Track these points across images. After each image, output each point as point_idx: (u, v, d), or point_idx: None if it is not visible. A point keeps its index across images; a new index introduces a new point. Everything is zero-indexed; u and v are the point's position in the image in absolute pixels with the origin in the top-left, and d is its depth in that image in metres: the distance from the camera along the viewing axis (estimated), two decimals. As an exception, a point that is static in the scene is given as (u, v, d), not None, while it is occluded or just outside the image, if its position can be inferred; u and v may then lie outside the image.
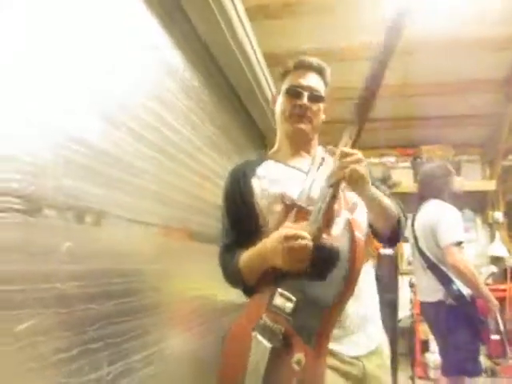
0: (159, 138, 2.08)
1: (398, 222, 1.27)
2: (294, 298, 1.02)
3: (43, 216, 1.33)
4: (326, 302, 0.97)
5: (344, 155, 1.11)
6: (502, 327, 4.06)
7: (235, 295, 3.75)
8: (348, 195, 1.21)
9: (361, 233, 1.03)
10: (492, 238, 5.00)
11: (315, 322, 0.96)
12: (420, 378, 3.50)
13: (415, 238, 2.54)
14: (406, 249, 5.01)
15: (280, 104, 1.37)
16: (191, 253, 2.62)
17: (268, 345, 1.00)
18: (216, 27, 2.46)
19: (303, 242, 1.00)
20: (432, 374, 4.01)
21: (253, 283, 1.21)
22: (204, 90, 2.75)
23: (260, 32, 2.90)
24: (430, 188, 2.57)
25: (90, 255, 1.55)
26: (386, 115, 4.65)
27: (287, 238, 1.03)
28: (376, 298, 1.26)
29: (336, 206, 1.12)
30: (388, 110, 4.56)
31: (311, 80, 1.32)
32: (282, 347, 0.98)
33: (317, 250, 1.01)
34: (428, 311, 2.50)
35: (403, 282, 4.42)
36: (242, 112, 3.78)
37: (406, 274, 4.62)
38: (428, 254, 2.45)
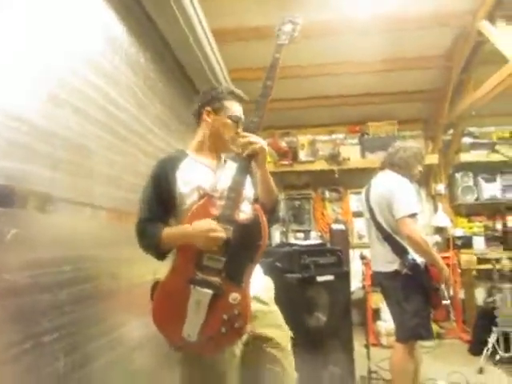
0: (106, 116, 1.97)
1: (277, 202, 1.65)
2: (223, 259, 1.42)
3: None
4: (246, 261, 1.45)
5: (245, 136, 1.52)
6: (447, 293, 4.31)
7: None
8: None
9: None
10: (435, 209, 5.27)
11: (241, 272, 1.43)
12: (373, 345, 3.65)
13: (370, 210, 2.60)
14: (356, 224, 5.17)
15: (222, 125, 1.69)
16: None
17: (209, 291, 1.40)
18: (164, 3, 2.35)
19: (219, 234, 1.41)
20: (384, 340, 4.21)
21: (166, 252, 1.55)
22: (151, 67, 2.64)
23: (208, 9, 2.81)
24: (396, 161, 2.59)
25: (38, 242, 1.45)
26: (334, 93, 4.72)
27: (208, 230, 1.42)
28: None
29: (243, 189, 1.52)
30: (336, 88, 4.63)
31: (242, 111, 1.72)
32: (218, 292, 1.40)
33: (234, 227, 1.43)
34: (384, 281, 2.58)
35: (354, 256, 4.58)
36: (192, 91, 3.68)
37: (357, 247, 4.78)
38: (384, 225, 2.52)
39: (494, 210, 5.08)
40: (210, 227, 1.42)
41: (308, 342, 2.41)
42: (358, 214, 4.89)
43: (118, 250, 2.11)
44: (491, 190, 4.99)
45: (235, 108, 1.71)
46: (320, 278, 2.66)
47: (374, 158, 4.51)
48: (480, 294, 4.91)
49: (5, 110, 1.31)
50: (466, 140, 3.70)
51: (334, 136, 5.33)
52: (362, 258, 3.57)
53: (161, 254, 1.57)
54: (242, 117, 1.71)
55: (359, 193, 2.92)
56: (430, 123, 5.23)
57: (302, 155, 5.12)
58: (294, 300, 2.49)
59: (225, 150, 1.71)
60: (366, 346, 3.23)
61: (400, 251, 2.45)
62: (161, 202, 1.59)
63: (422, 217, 5.18)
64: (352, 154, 5.17)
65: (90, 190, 1.83)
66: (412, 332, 2.46)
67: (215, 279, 1.41)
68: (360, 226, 5.03)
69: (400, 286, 2.46)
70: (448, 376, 2.96)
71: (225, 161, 1.71)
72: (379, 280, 2.64)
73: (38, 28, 1.50)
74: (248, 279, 1.44)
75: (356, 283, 4.29)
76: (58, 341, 1.52)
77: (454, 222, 5.10)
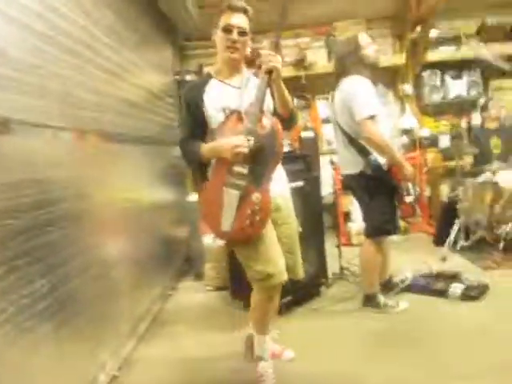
0: (48, 26, 1.80)
1: (292, 112, 1.86)
2: (247, 166, 1.72)
3: None
4: (266, 166, 1.76)
5: (266, 55, 1.67)
6: (413, 191, 4.48)
7: (163, 193, 3.74)
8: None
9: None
10: (403, 110, 5.27)
11: (261, 176, 1.75)
12: (344, 245, 3.84)
13: (335, 115, 2.58)
14: (325, 130, 5.15)
15: (218, 39, 1.82)
16: (109, 155, 2.47)
17: (237, 192, 1.73)
18: None
19: (242, 149, 1.68)
20: (355, 240, 4.43)
21: (205, 161, 1.85)
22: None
23: None
24: (343, 65, 2.55)
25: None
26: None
27: (233, 146, 1.68)
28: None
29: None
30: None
31: (239, 19, 1.79)
32: (244, 193, 1.72)
33: (256, 138, 1.69)
34: (351, 182, 2.65)
35: (324, 162, 4.64)
36: (146, 1, 3.40)
37: (326, 153, 4.82)
38: (346, 129, 2.52)
39: (459, 108, 5.13)
40: (235, 143, 1.68)
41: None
42: (327, 121, 4.86)
43: (82, 170, 2.06)
44: (458, 88, 4.99)
45: (229, 18, 1.78)
46: (291, 184, 2.70)
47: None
48: (446, 191, 5.13)
49: None
50: (433, 34, 3.60)
51: (299, 40, 5.10)
52: (332, 163, 3.62)
53: (201, 166, 1.87)
54: (237, 23, 1.77)
55: (327, 99, 2.88)
56: (398, 20, 5.04)
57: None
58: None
59: (227, 61, 1.85)
60: (338, 246, 3.40)
61: (363, 153, 2.49)
62: (195, 123, 1.86)
63: (390, 119, 5.22)
64: (319, 58, 5.01)
65: (46, 110, 1.73)
66: (379, 228, 2.59)
67: (241, 182, 1.73)
68: (329, 132, 5.02)
69: (366, 186, 2.55)
70: (414, 266, 3.17)
71: (248, 78, 1.87)
72: (347, 182, 2.71)
73: None
74: (268, 181, 1.76)
75: (327, 189, 4.41)
76: (31, 264, 1.53)
77: (420, 122, 5.15)
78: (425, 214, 4.83)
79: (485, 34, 4.94)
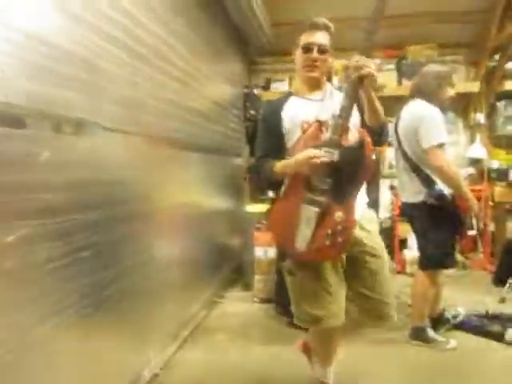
0: (132, 39, 1.94)
1: (383, 125, 1.70)
2: (329, 180, 1.58)
3: (18, 125, 1.27)
4: (351, 182, 1.61)
5: (359, 60, 1.54)
6: (476, 225, 4.28)
7: (221, 202, 3.83)
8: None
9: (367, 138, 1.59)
10: (472, 140, 5.06)
11: (345, 193, 1.60)
12: (398, 272, 3.73)
13: (398, 140, 2.54)
14: (388, 153, 5.05)
15: (298, 57, 1.77)
16: (173, 161, 2.59)
17: (316, 209, 1.58)
18: None
19: (319, 159, 1.54)
20: (408, 268, 4.29)
21: (280, 179, 1.72)
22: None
23: None
24: (420, 91, 2.50)
25: (70, 165, 1.51)
26: (369, 14, 4.41)
27: (309, 157, 1.55)
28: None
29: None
30: (372, 9, 4.32)
31: (319, 37, 1.73)
32: (325, 210, 1.58)
33: (340, 152, 1.54)
34: (410, 211, 2.57)
35: (384, 185, 4.55)
36: (221, 14, 3.54)
37: (387, 177, 4.73)
38: (410, 154, 2.46)
39: (535, 141, 4.85)
40: (311, 154, 1.55)
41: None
42: (391, 144, 4.77)
43: (146, 173, 2.18)
44: (534, 121, 4.73)
45: (309, 37, 1.73)
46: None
47: (411, 85, 4.30)
48: (511, 228, 4.85)
49: (32, 33, 1.31)
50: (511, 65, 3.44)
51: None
52: (392, 188, 3.55)
53: (276, 185, 1.75)
54: (316, 41, 1.72)
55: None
56: (474, 47, 4.87)
57: (336, 81, 4.94)
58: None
59: (307, 80, 1.79)
60: (391, 273, 3.31)
61: (427, 182, 2.41)
62: (271, 141, 1.77)
63: (457, 147, 5.03)
64: (388, 81, 4.95)
65: (118, 115, 1.85)
66: (435, 261, 2.50)
67: (322, 198, 1.58)
68: (392, 155, 4.92)
69: (426, 216, 2.46)
70: (468, 303, 3.03)
71: (331, 92, 1.78)
72: (407, 210, 2.64)
73: None
74: (353, 199, 1.62)
75: (385, 213, 4.32)
76: (94, 257, 1.64)
77: (490, 153, 4.91)
78: (486, 251, 4.58)
79: None
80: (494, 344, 2.61)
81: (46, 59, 1.36)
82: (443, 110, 2.52)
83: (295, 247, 1.63)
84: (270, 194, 4.31)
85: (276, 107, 1.80)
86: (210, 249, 3.40)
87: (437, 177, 2.39)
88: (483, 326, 2.74)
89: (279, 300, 3.12)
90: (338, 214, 1.58)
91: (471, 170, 4.82)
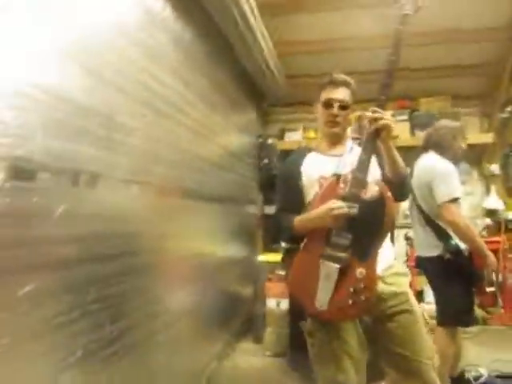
0: (149, 93, 2.00)
1: (404, 178, 1.68)
2: (349, 236, 1.52)
3: (36, 179, 1.30)
4: (372, 237, 1.56)
5: (375, 112, 1.55)
6: (495, 279, 4.15)
7: (233, 251, 3.81)
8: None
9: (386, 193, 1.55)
10: (487, 190, 5.02)
11: (367, 248, 1.55)
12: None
13: (413, 194, 2.52)
14: (403, 203, 5.01)
15: (319, 113, 1.79)
16: (186, 211, 2.60)
17: (337, 266, 1.52)
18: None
19: (341, 211, 1.50)
20: (428, 321, 4.13)
21: (299, 235, 1.64)
22: (195, 42, 2.64)
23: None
24: (436, 141, 2.51)
25: (85, 217, 1.53)
26: (382, 66, 4.53)
27: (331, 209, 1.51)
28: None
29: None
30: (384, 61, 4.44)
31: (340, 93, 1.74)
32: (346, 267, 1.52)
33: (360, 205, 1.51)
34: (426, 265, 2.51)
35: (399, 236, 4.48)
36: (237, 67, 3.66)
37: (401, 227, 4.67)
38: (425, 209, 2.44)
39: (551, 192, 4.80)
40: (332, 206, 1.52)
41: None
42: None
43: (162, 225, 2.18)
44: (550, 171, 4.69)
45: (329, 93, 1.75)
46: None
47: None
48: (532, 281, 4.70)
49: (51, 89, 1.36)
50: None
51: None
52: (407, 238, 3.49)
53: (294, 240, 1.68)
54: (337, 97, 1.73)
55: (406, 172, 2.83)
56: (487, 99, 4.92)
57: (350, 132, 5.00)
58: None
59: (328, 136, 1.80)
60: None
61: (443, 236, 2.37)
62: (290, 195, 1.76)
63: (472, 198, 4.98)
64: (401, 132, 4.99)
65: (133, 167, 1.88)
66: (454, 318, 2.41)
67: (342, 255, 1.52)
68: (406, 205, 4.89)
69: (442, 271, 2.40)
70: (491, 363, 2.88)
71: (351, 148, 1.76)
72: (422, 264, 2.58)
73: (80, 6, 1.52)
74: (374, 255, 1.55)
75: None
76: (103, 310, 1.61)
77: (507, 204, 4.85)
78: (507, 305, 4.42)
79: None
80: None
81: (64, 114, 1.41)
82: (456, 162, 2.52)
83: (315, 306, 1.56)
84: (283, 244, 4.30)
85: (295, 162, 1.80)
86: (221, 300, 3.34)
87: (452, 231, 2.35)
88: (507, 389, 2.60)
89: (292, 355, 3.02)
90: (360, 271, 1.52)
91: (488, 221, 4.75)
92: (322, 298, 1.55)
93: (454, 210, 2.31)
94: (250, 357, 3.38)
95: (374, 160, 1.61)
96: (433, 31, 3.88)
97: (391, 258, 1.76)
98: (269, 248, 4.42)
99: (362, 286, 1.52)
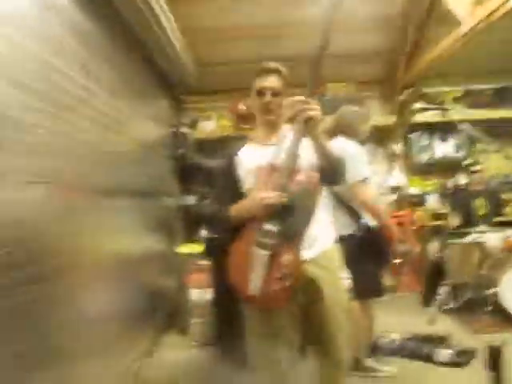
0: (48, 87, 1.86)
1: (337, 163, 1.71)
2: (278, 224, 1.59)
3: None
4: (299, 225, 1.61)
5: (301, 102, 1.57)
6: (401, 250, 4.50)
7: (152, 245, 3.72)
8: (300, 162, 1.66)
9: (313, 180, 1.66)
10: (391, 169, 5.40)
11: (293, 236, 1.61)
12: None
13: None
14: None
15: (252, 102, 1.83)
16: (99, 209, 2.48)
17: (266, 252, 1.59)
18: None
19: (270, 200, 1.57)
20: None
21: (236, 224, 1.71)
22: (98, 33, 2.50)
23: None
24: (342, 126, 2.62)
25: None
26: (291, 54, 4.64)
27: (260, 198, 1.60)
28: (321, 223, 1.77)
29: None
30: (293, 50, 4.55)
31: (272, 81, 1.77)
32: (274, 253, 1.58)
33: (286, 200, 1.57)
34: (341, 243, 2.65)
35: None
36: (144, 56, 3.53)
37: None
38: (337, 191, 2.58)
39: (446, 168, 5.27)
40: (262, 195, 1.60)
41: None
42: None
43: (72, 225, 2.06)
44: (444, 149, 5.15)
45: (261, 81, 1.77)
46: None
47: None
48: (432, 250, 5.16)
49: None
50: (418, 106, 3.78)
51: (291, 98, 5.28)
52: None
53: (230, 230, 1.74)
54: (269, 85, 1.75)
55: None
56: (387, 84, 5.27)
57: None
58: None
59: (263, 122, 1.83)
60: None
61: (354, 216, 2.52)
62: (227, 188, 1.81)
63: (378, 177, 5.32)
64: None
65: (35, 166, 1.75)
66: (366, 291, 2.58)
67: (271, 242, 1.59)
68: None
69: (355, 248, 2.55)
70: (401, 328, 3.14)
71: (285, 135, 1.75)
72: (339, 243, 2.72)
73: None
74: (300, 242, 1.61)
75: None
76: (9, 322, 1.50)
77: (409, 180, 5.26)
78: (413, 273, 4.83)
79: (470, 98, 5.18)
80: (428, 366, 2.71)
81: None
82: (363, 144, 2.68)
83: (248, 291, 1.62)
84: (203, 233, 4.28)
85: (231, 153, 1.85)
86: (142, 295, 3.26)
87: (363, 210, 2.50)
88: (417, 350, 2.85)
89: (220, 342, 3.05)
90: (286, 257, 1.58)
91: (393, 197, 5.11)
92: (254, 283, 1.61)
93: (363, 190, 2.46)
94: (177, 349, 3.36)
95: (309, 146, 1.65)
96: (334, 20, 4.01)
97: (329, 242, 1.83)
98: (189, 239, 4.40)
99: (287, 271, 1.57)
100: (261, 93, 1.76)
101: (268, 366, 1.73)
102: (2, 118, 1.52)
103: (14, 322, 1.52)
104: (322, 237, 1.78)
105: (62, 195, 2.01)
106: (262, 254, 1.60)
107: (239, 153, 1.83)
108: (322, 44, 1.64)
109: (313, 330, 1.76)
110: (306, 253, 1.67)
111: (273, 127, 1.82)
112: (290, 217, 1.60)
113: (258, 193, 1.63)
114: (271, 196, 1.58)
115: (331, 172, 1.71)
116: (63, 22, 2.04)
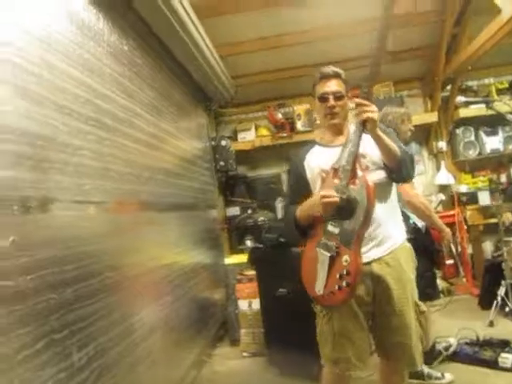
0: (92, 109, 1.95)
1: (403, 161, 1.70)
2: (338, 225, 1.66)
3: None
4: (356, 226, 1.63)
5: (360, 105, 1.62)
6: (454, 251, 4.33)
7: (199, 257, 3.78)
8: (362, 161, 1.72)
9: (372, 183, 1.63)
10: (438, 167, 5.22)
11: (351, 236, 1.63)
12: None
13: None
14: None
15: (316, 107, 1.90)
16: (147, 224, 2.56)
17: (328, 254, 1.67)
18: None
19: (331, 199, 1.61)
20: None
21: (305, 225, 1.80)
22: (134, 52, 2.59)
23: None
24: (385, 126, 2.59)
25: (38, 245, 1.47)
26: (325, 59, 4.62)
27: (322, 197, 1.62)
28: (390, 223, 1.83)
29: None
30: (327, 54, 4.53)
31: (333, 85, 1.81)
32: (335, 254, 1.65)
33: (345, 200, 1.62)
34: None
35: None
36: (182, 75, 3.63)
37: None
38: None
39: (497, 163, 5.04)
40: (323, 194, 1.63)
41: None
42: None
43: (123, 241, 2.13)
44: (493, 143, 4.92)
45: (323, 87, 1.82)
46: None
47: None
48: (488, 248, 4.93)
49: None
50: (461, 99, 3.64)
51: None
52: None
53: (302, 230, 1.83)
54: (330, 89, 1.80)
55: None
56: (427, 81, 5.12)
57: (300, 125, 5.06)
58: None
59: (328, 127, 1.88)
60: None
61: (402, 217, 2.46)
62: (298, 190, 1.88)
63: (425, 176, 5.17)
64: (351, 120, 5.10)
65: (84, 187, 1.83)
66: (419, 293, 2.49)
67: (332, 243, 1.66)
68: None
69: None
70: (458, 332, 3.01)
71: (351, 133, 1.77)
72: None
73: (13, 21, 1.47)
74: (358, 242, 1.65)
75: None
76: (68, 338, 1.56)
77: (457, 178, 5.06)
78: (468, 274, 4.62)
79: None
80: (488, 372, 2.58)
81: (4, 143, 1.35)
82: (406, 144, 2.62)
83: (314, 291, 1.72)
84: (248, 243, 4.31)
85: (299, 158, 1.92)
86: (193, 307, 3.31)
87: (410, 211, 2.44)
88: (476, 355, 2.72)
89: (270, 351, 3.04)
90: (345, 258, 1.63)
91: (442, 197, 4.94)
92: (319, 283, 1.70)
93: (410, 191, 2.39)
94: (229, 360, 3.38)
95: (374, 146, 1.69)
96: (363, 20, 3.96)
97: (398, 241, 1.84)
98: (234, 250, 4.43)
99: (345, 272, 1.62)
100: (323, 98, 1.81)
101: (336, 364, 1.77)
102: (53, 142, 1.61)
103: (79, 332, 1.59)
104: (391, 236, 1.81)
105: (111, 213, 2.08)
106: (324, 256, 1.68)
107: (307, 156, 1.90)
108: (379, 44, 1.70)
109: (381, 331, 1.80)
110: (374, 252, 1.74)
111: (338, 130, 1.87)
112: (349, 217, 1.64)
113: (319, 192, 1.68)
114: (331, 195, 1.62)
115: (398, 169, 1.71)
116: (98, 43, 2.13)
